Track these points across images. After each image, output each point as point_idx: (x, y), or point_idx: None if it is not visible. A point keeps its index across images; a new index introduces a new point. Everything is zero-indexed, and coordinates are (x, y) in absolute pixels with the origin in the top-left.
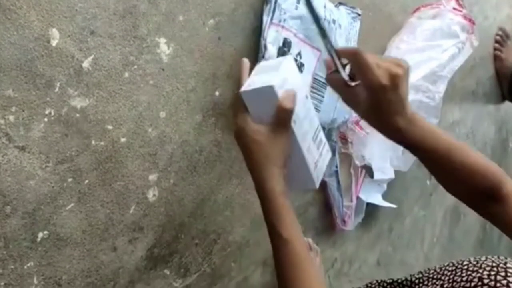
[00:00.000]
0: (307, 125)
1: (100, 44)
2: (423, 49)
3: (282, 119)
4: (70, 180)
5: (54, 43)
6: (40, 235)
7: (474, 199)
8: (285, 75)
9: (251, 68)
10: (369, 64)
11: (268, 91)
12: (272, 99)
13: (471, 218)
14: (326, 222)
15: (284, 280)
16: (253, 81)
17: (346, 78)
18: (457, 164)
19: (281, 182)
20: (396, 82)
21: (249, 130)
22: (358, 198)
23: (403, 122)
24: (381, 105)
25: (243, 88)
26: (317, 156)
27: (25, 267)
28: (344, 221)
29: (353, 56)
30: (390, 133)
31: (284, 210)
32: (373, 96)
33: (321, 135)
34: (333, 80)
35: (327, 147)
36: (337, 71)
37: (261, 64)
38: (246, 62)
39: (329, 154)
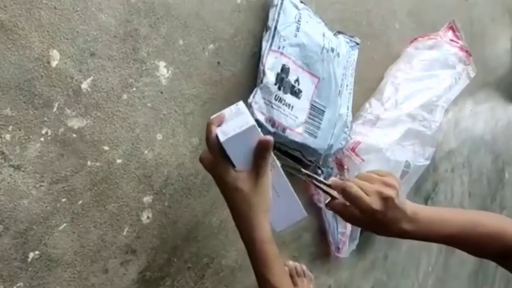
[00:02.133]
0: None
1: (99, 66)
2: (420, 78)
3: (265, 155)
4: (64, 200)
5: (54, 63)
6: (31, 255)
7: (494, 260)
8: (249, 116)
9: None
10: (357, 197)
11: (251, 131)
12: (254, 139)
13: None
14: (320, 248)
15: None
16: (225, 130)
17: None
18: (474, 237)
19: (268, 229)
20: (389, 204)
21: (230, 179)
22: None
23: (408, 225)
24: (381, 223)
25: (223, 137)
26: None
27: (15, 287)
28: (338, 248)
29: (342, 192)
30: (401, 237)
31: (272, 258)
32: (371, 218)
33: None
34: (333, 205)
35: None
36: (333, 198)
37: (219, 117)
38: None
39: None
